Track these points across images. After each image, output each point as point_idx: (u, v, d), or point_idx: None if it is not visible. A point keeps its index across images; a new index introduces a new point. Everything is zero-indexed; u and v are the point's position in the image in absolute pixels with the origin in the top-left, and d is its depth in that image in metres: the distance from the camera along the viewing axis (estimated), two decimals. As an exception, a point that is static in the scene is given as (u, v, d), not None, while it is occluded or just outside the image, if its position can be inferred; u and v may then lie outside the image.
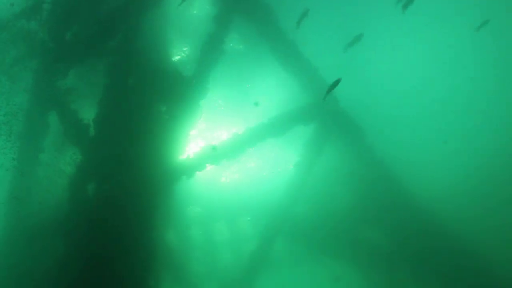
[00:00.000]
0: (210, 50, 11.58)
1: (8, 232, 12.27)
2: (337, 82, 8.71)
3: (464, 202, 17.20)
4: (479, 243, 13.62)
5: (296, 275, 18.23)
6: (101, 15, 11.35)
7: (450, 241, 13.38)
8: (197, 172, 11.89)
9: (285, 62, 12.89)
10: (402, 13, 12.04)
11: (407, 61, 20.86)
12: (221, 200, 18.40)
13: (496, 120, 20.20)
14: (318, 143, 12.92)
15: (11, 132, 11.69)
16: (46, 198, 11.73)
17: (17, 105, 11.62)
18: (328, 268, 16.59)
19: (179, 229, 16.82)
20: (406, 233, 13.64)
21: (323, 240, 14.65)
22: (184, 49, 13.38)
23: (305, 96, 12.93)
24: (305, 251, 15.87)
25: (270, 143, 13.20)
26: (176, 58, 13.27)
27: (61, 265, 10.38)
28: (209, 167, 12.05)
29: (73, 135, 11.12)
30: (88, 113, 11.09)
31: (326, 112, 12.73)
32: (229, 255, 18.85)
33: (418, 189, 14.10)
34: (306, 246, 15.50)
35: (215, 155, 11.89)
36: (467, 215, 15.57)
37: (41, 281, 11.04)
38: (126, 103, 11.06)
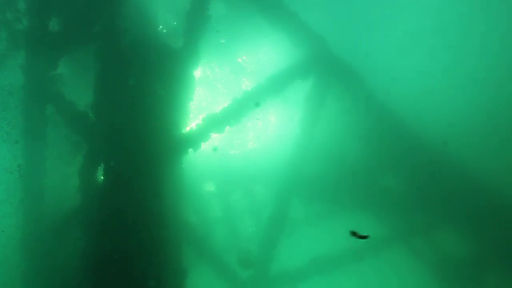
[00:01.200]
0: (195, 18, 11.36)
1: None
2: None
3: (480, 138, 16.57)
4: (500, 181, 13.35)
5: (316, 234, 18.29)
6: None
7: (468, 180, 13.19)
8: (203, 143, 11.87)
9: (273, 20, 12.58)
10: None
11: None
12: (234, 172, 18.44)
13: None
14: (319, 95, 12.68)
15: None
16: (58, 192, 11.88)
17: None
18: (347, 222, 16.57)
19: (197, 205, 17.03)
20: (423, 175, 13.48)
21: (339, 193, 14.59)
22: (169, 20, 13.17)
23: (298, 51, 12.64)
24: (323, 207, 15.85)
25: (271, 104, 13.02)
26: (162, 31, 13.08)
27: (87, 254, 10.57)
28: (214, 137, 12.01)
29: (74, 123, 11.18)
30: (85, 99, 11.10)
31: (323, 63, 12.46)
32: (248, 224, 19.05)
33: (429, 128, 13.79)
34: (323, 202, 15.47)
35: (218, 122, 11.81)
36: (485, 152, 15.19)
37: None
38: (121, 84, 11.05)
